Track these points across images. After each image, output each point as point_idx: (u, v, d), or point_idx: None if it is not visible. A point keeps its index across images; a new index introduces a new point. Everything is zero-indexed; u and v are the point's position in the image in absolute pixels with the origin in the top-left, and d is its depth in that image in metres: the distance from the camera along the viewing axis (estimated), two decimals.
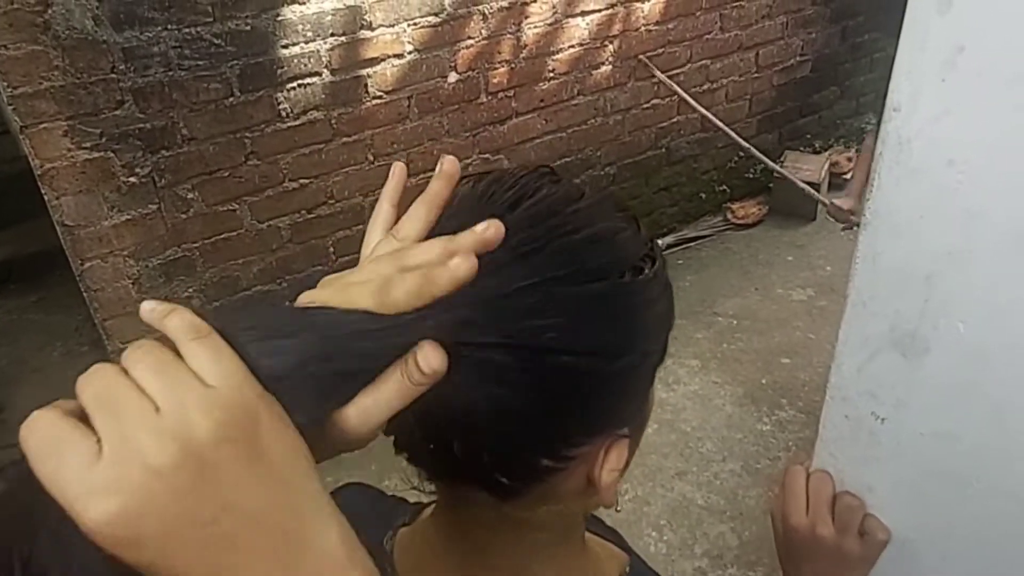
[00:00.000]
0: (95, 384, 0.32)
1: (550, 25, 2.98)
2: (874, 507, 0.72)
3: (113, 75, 2.22)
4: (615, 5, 3.11)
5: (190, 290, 2.59)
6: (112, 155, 2.30)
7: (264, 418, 0.33)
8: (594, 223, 0.44)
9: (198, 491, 0.30)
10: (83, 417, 0.31)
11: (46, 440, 0.30)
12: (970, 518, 0.67)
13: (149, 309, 0.35)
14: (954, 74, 0.53)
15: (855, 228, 2.79)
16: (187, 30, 2.27)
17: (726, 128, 3.12)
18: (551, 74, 3.09)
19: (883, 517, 0.72)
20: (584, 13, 3.05)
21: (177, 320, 0.34)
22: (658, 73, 3.21)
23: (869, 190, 0.62)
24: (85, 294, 2.44)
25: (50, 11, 2.07)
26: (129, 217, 2.40)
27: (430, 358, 0.37)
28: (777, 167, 3.14)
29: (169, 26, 2.24)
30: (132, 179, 2.36)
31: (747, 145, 3.21)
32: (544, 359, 0.41)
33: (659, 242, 3.67)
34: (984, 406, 0.62)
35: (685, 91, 3.40)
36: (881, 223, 0.62)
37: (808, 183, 3.79)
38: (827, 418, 0.75)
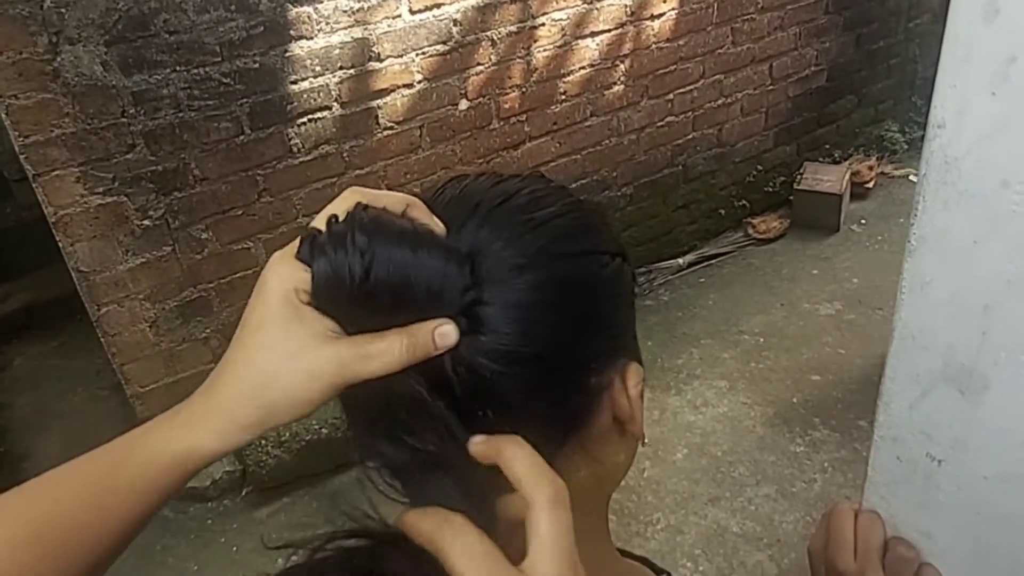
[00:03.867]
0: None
1: (560, 47, 2.96)
2: (932, 556, 0.66)
3: (124, 119, 2.21)
4: (624, 24, 3.08)
5: (207, 331, 2.57)
6: (125, 199, 2.29)
7: None
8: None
9: None
10: None
11: None
12: None
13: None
14: (1006, 86, 0.48)
15: None
16: (196, 71, 2.27)
17: None
18: (563, 96, 3.06)
19: (942, 568, 0.66)
20: (594, 34, 3.02)
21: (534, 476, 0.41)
22: None
23: (914, 213, 0.57)
24: (102, 339, 2.43)
25: (59, 59, 2.07)
26: (144, 260, 2.38)
27: (447, 334, 0.41)
28: None
29: (178, 68, 2.24)
30: (146, 222, 2.35)
31: None
32: (555, 269, 0.45)
33: (680, 261, 3.62)
34: None
35: (699, 107, 3.35)
36: (928, 250, 0.57)
37: (829, 194, 3.74)
38: (876, 460, 0.69)
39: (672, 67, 3.31)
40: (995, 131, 0.50)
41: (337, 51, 2.48)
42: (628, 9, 3.06)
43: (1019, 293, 0.53)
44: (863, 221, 3.85)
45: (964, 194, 0.53)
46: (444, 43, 2.68)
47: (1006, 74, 0.48)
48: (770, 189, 3.94)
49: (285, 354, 0.42)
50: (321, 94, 2.51)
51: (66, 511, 0.45)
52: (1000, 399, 0.57)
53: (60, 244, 2.26)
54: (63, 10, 2.04)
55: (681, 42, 3.28)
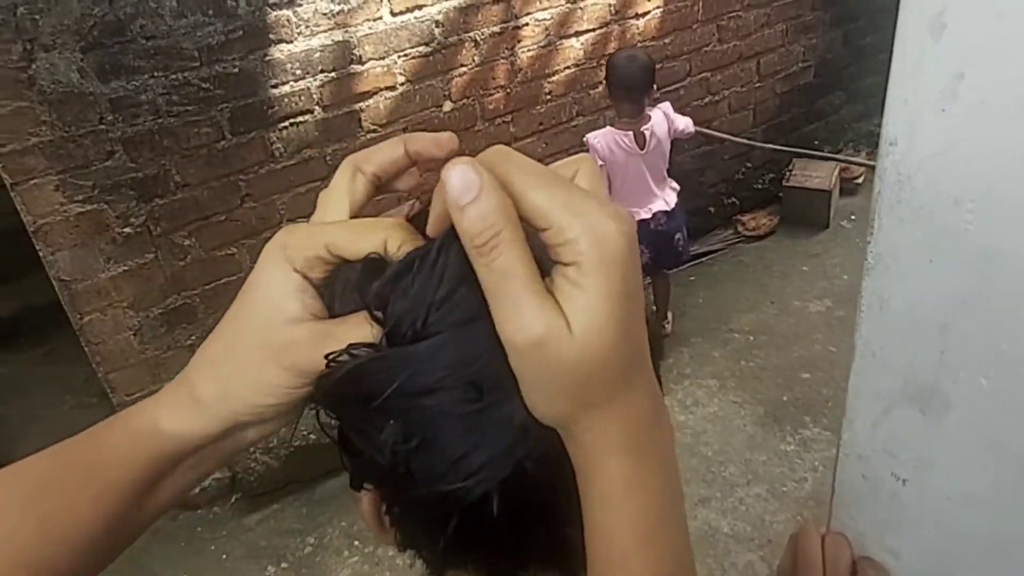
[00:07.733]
0: None
1: (544, 47, 2.94)
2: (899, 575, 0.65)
3: (102, 126, 2.19)
4: (609, 23, 3.06)
5: (193, 338, 2.55)
6: (105, 206, 2.27)
7: None
8: None
9: None
10: None
11: None
12: None
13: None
14: (954, 104, 0.46)
15: None
16: (174, 76, 2.24)
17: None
18: (548, 96, 3.05)
19: None
20: (578, 33, 3.00)
21: None
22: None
23: (870, 231, 0.56)
24: (86, 348, 2.41)
25: (34, 66, 2.05)
26: (126, 268, 2.36)
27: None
28: None
29: (156, 73, 2.22)
30: (127, 229, 2.33)
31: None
32: None
33: None
34: (1015, 468, 0.55)
35: (687, 105, 3.34)
36: (885, 268, 0.56)
37: (819, 190, 3.73)
38: (842, 477, 0.68)
39: (658, 65, 3.28)
40: (945, 149, 0.48)
41: (318, 54, 2.46)
42: (612, 8, 3.04)
43: (975, 312, 0.52)
44: (852, 217, 3.84)
45: (918, 212, 0.52)
46: (426, 44, 2.66)
47: (954, 92, 0.46)
48: (759, 186, 3.92)
49: (252, 326, 0.40)
50: (302, 98, 2.49)
51: (54, 485, 0.42)
52: (962, 419, 0.56)
53: (40, 253, 2.24)
54: (37, 17, 2.01)
55: (667, 40, 3.26)
